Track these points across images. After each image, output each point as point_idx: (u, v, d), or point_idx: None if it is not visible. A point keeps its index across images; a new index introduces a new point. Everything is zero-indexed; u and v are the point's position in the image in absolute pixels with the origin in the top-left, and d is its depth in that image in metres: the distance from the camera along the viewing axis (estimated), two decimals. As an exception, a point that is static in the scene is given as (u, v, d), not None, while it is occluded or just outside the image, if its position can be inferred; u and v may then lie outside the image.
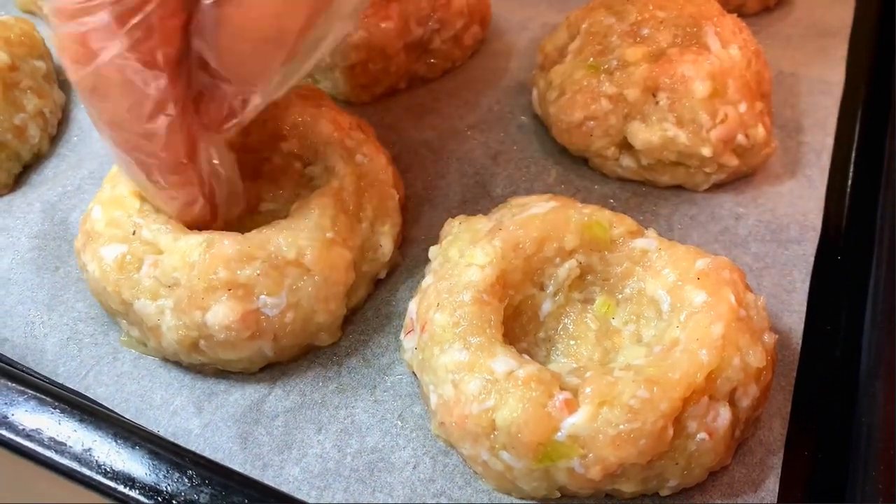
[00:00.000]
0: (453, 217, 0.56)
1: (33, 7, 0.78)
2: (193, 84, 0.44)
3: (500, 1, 0.78)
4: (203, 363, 0.50)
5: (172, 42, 0.41)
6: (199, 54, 0.42)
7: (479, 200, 0.63)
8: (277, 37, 0.41)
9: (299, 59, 0.43)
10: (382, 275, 0.56)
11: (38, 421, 0.46)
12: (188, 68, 0.43)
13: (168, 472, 0.43)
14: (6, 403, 0.46)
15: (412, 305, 0.52)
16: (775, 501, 0.47)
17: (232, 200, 0.51)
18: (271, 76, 0.43)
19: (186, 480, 0.43)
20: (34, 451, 0.45)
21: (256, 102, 0.44)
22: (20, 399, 0.47)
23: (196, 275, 0.47)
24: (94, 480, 0.43)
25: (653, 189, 0.63)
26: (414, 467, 0.48)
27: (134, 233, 0.50)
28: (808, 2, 0.80)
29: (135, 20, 0.39)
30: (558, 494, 0.46)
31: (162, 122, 0.42)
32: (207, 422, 0.49)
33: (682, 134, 0.59)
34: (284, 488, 0.46)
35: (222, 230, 0.51)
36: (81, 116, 0.69)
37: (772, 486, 0.47)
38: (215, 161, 0.47)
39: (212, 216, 0.50)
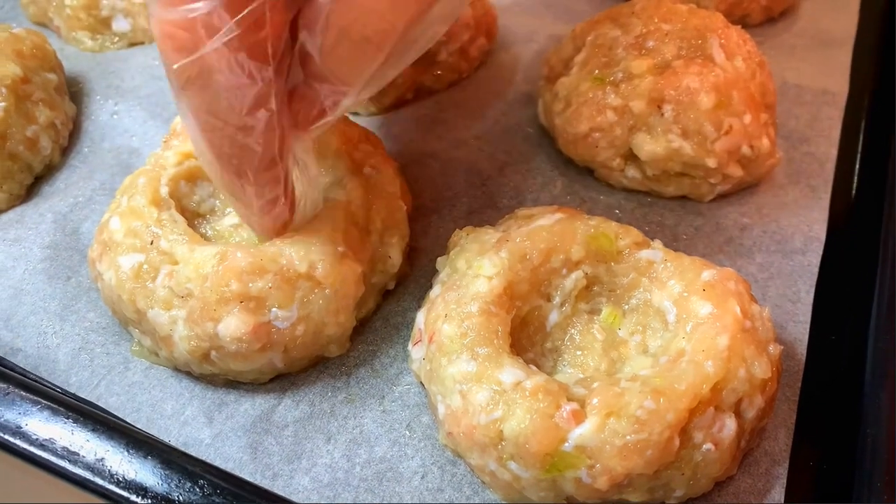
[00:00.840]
0: (460, 228, 0.57)
1: (45, 19, 0.79)
2: (290, 81, 0.43)
3: (506, 13, 0.79)
4: (214, 373, 0.51)
5: (281, 35, 0.40)
6: (301, 50, 0.42)
7: (486, 211, 0.63)
8: (376, 38, 0.40)
9: (392, 62, 0.43)
10: (391, 286, 0.57)
11: (52, 431, 0.46)
12: (289, 64, 0.42)
13: (180, 481, 0.44)
14: (20, 413, 0.47)
15: (420, 316, 0.52)
16: (781, 511, 0.47)
17: (311, 202, 0.50)
18: (365, 78, 0.43)
19: (198, 490, 0.44)
20: (48, 460, 0.45)
21: (347, 104, 0.44)
22: (34, 409, 0.47)
23: (209, 286, 0.48)
24: (107, 490, 0.44)
25: (658, 200, 0.64)
26: (422, 477, 0.48)
27: (152, 242, 0.50)
28: (812, 12, 0.81)
29: (247, 9, 0.38)
30: (566, 504, 0.47)
31: (262, 115, 0.42)
32: (218, 432, 0.50)
33: (688, 145, 0.59)
34: (294, 498, 0.47)
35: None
36: (92, 128, 0.69)
37: (777, 496, 0.48)
38: (301, 159, 0.47)
39: (290, 215, 0.49)
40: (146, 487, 0.44)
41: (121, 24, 0.75)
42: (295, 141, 0.46)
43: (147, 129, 0.68)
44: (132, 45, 0.76)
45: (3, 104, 0.61)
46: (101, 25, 0.75)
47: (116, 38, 0.76)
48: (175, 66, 0.40)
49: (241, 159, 0.44)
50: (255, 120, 0.42)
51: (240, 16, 0.38)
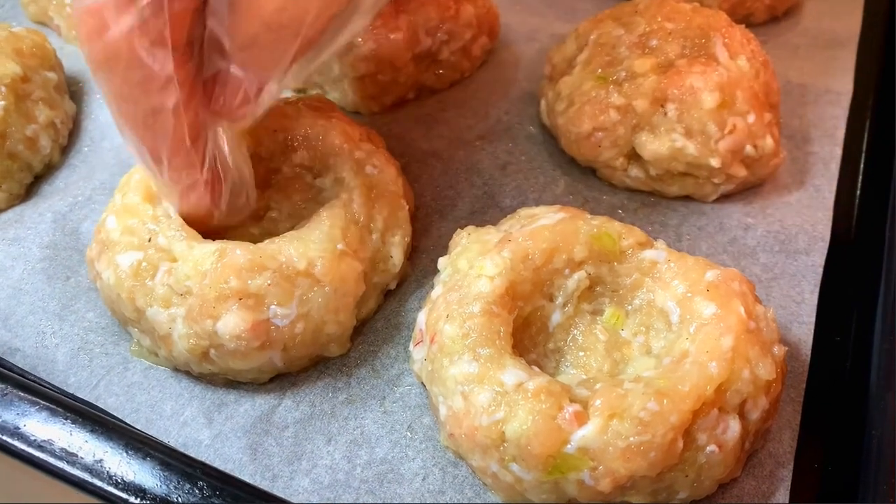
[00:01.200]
0: (462, 227, 0.56)
1: (45, 18, 0.78)
2: (207, 67, 0.45)
3: (508, 12, 0.78)
4: (213, 373, 0.51)
5: (183, 23, 0.42)
6: (214, 36, 0.43)
7: (488, 211, 0.63)
8: (291, 24, 0.42)
9: (315, 50, 0.44)
10: (392, 286, 0.56)
11: (50, 431, 0.46)
12: (201, 50, 0.44)
13: (179, 482, 0.44)
14: (18, 414, 0.46)
15: (421, 316, 0.52)
16: (786, 513, 0.47)
17: (238, 195, 0.51)
18: (286, 65, 0.44)
19: (197, 492, 0.43)
20: (46, 461, 0.45)
21: (272, 90, 0.45)
22: (32, 409, 0.47)
23: (208, 283, 0.48)
24: (106, 491, 0.43)
25: (661, 199, 0.63)
26: (423, 479, 0.48)
27: (149, 240, 0.50)
28: (816, 12, 0.80)
29: None
30: (568, 506, 0.46)
31: (168, 100, 0.43)
32: (217, 433, 0.49)
33: (691, 145, 0.59)
34: (294, 500, 0.46)
35: (227, 232, 0.52)
36: (92, 127, 0.69)
37: (782, 498, 0.47)
38: (224, 149, 0.48)
39: (213, 204, 0.50)
40: (145, 489, 0.43)
41: (121, 23, 0.75)
42: (221, 130, 0.48)
43: (147, 128, 0.68)
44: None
45: (2, 103, 0.61)
46: (102, 24, 0.75)
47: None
48: (86, 53, 0.43)
49: (154, 143, 0.46)
50: (162, 105, 0.43)
51: (137, 4, 0.40)
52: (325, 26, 0.43)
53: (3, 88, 0.61)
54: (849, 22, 0.79)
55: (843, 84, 0.72)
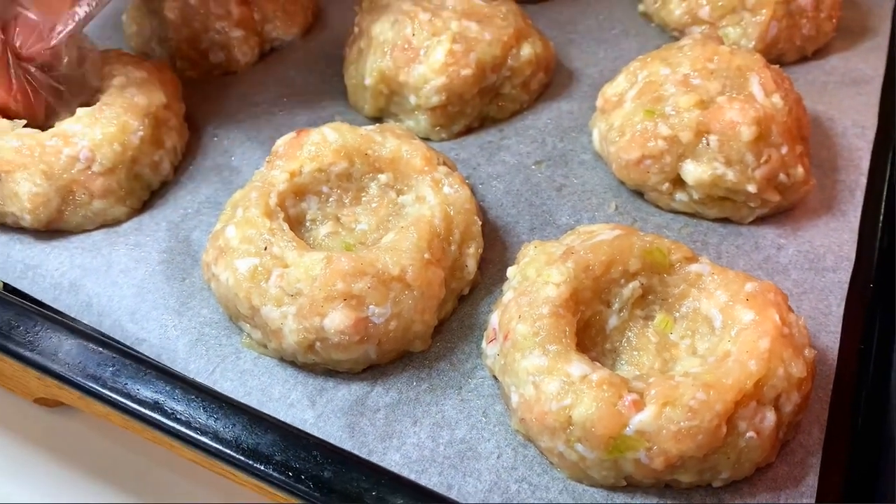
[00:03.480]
0: (524, 242, 0.64)
1: (147, 49, 0.86)
2: (8, 11, 0.59)
3: (562, 51, 0.86)
4: (315, 363, 0.58)
5: None
6: None
7: (546, 228, 0.70)
8: None
9: None
10: (466, 291, 0.64)
11: (184, 408, 0.54)
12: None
13: (297, 452, 0.51)
14: (156, 391, 0.55)
15: (494, 317, 0.59)
16: (814, 499, 0.53)
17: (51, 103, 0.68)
18: (68, 8, 0.58)
19: (312, 459, 0.51)
20: (183, 432, 0.53)
21: (60, 30, 0.59)
22: (167, 388, 0.55)
23: (318, 286, 0.55)
24: (237, 459, 0.51)
25: (702, 221, 0.70)
26: (498, 457, 0.55)
27: (265, 248, 0.58)
28: (843, 52, 0.87)
29: None
30: (624, 483, 0.53)
31: None
32: (320, 413, 0.57)
33: (731, 172, 0.66)
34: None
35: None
36: (195, 146, 0.77)
37: (811, 482, 0.54)
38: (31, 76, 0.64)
39: (28, 116, 0.67)
40: (269, 456, 0.51)
41: (217, 56, 0.84)
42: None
43: (245, 150, 0.76)
44: (227, 73, 0.85)
45: (140, 133, 0.68)
46: (200, 56, 0.84)
47: (213, 68, 0.84)
48: None
49: None
50: None
51: None
52: None
53: (146, 119, 0.69)
54: (874, 62, 0.85)
55: (867, 118, 0.78)
